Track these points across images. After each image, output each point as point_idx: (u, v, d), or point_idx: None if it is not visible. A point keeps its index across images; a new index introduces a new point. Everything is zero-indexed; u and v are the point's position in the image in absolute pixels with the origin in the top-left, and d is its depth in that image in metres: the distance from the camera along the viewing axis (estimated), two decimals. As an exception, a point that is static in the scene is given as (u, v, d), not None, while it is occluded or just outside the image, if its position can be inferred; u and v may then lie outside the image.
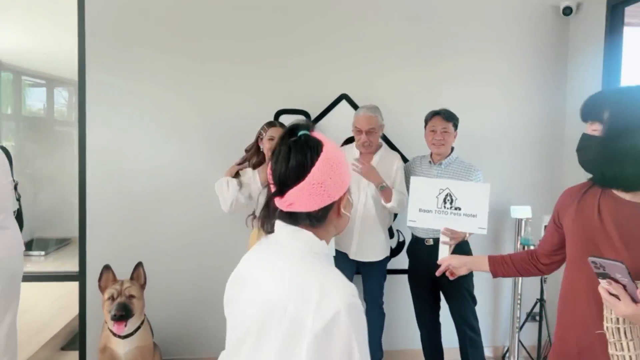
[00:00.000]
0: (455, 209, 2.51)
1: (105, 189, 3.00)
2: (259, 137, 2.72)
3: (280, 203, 1.00)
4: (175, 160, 3.05)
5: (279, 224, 1.03)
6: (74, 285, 3.05)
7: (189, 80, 3.05)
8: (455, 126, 2.74)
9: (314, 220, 1.01)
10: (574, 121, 3.34)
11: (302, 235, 1.01)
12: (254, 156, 2.74)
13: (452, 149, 2.79)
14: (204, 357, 3.12)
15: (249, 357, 0.98)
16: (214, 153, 3.07)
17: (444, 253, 2.54)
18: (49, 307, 4.08)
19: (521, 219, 3.20)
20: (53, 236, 6.22)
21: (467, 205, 2.50)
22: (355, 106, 3.09)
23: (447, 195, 2.54)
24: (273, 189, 1.01)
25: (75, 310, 3.84)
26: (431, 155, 2.80)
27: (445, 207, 2.52)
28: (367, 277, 2.90)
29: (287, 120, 2.99)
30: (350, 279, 2.84)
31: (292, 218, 1.01)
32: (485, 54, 3.30)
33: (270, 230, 1.07)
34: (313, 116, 3.15)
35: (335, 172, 0.98)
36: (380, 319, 2.98)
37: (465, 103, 3.25)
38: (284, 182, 0.98)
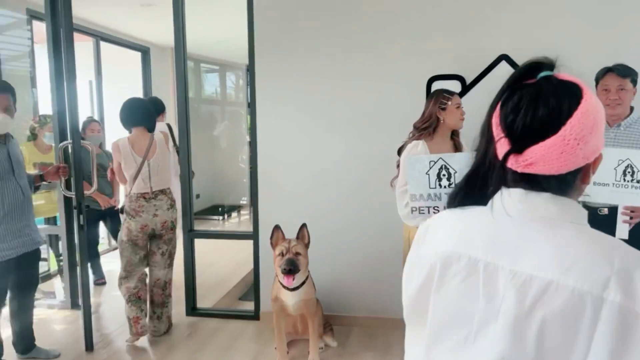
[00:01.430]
0: (638, 181, 2.24)
1: (273, 163, 3.33)
2: (439, 107, 2.55)
3: (515, 162, 0.79)
4: (335, 136, 3.24)
5: (523, 196, 0.81)
6: (248, 244, 3.48)
7: (341, 67, 3.18)
8: (635, 82, 2.39)
9: (563, 185, 0.80)
10: None
11: (571, 207, 0.81)
12: (433, 128, 2.58)
13: (632, 108, 2.45)
14: (360, 315, 3.34)
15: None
16: (371, 130, 3.18)
17: (623, 231, 2.30)
18: (228, 262, 4.73)
19: None
20: (227, 203, 7.13)
21: None
22: (516, 67, 2.90)
23: (627, 166, 2.26)
24: (506, 145, 0.80)
25: (249, 266, 4.40)
26: (607, 117, 2.50)
27: (625, 180, 2.26)
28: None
29: (441, 85, 2.93)
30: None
31: (531, 183, 0.80)
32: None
33: (474, 201, 0.87)
34: (468, 81, 3.04)
35: (597, 127, 0.78)
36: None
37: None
38: (527, 135, 0.77)
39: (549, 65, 0.82)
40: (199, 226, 5.06)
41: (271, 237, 2.73)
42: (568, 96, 0.78)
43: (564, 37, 2.91)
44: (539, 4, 2.93)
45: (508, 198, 0.82)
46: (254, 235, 3.41)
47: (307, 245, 2.73)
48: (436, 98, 2.58)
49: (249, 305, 3.61)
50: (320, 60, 3.21)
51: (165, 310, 3.29)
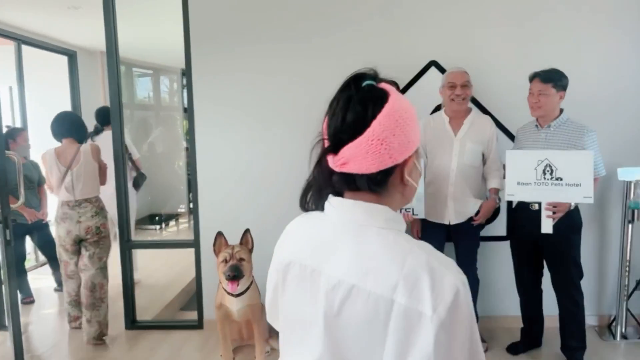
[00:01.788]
0: (557, 179, 2.46)
1: (213, 168, 3.30)
2: None
3: (334, 162, 0.85)
4: (276, 139, 3.26)
5: (339, 202, 0.88)
6: (188, 253, 3.42)
7: (279, 67, 3.21)
8: (558, 88, 2.58)
9: (373, 185, 0.85)
10: (693, 73, 3.04)
11: (368, 208, 0.85)
12: None
13: (561, 110, 2.67)
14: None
15: (319, 346, 0.84)
16: (313, 132, 3.22)
17: (547, 226, 2.51)
18: (167, 272, 4.61)
19: (630, 182, 3.00)
20: (164, 212, 6.92)
21: (569, 175, 2.44)
22: (444, 72, 3.07)
23: (546, 166, 2.49)
24: (327, 145, 0.88)
25: (190, 275, 4.31)
26: (537, 119, 2.71)
27: (545, 178, 2.48)
28: (461, 243, 2.92)
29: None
30: (443, 246, 2.91)
31: (348, 183, 0.86)
32: (582, 8, 3.09)
33: (316, 205, 0.94)
34: (401, 85, 3.18)
35: (400, 128, 0.82)
36: (474, 284, 3.00)
37: (559, 61, 3.07)
38: (339, 136, 0.84)
39: (371, 75, 0.89)
40: (135, 237, 4.88)
41: (214, 244, 2.70)
42: (373, 101, 0.84)
43: (487, 44, 3.14)
44: (464, 14, 3.12)
45: (329, 202, 0.90)
46: (195, 243, 3.36)
47: (251, 251, 2.73)
48: None
49: (192, 315, 3.54)
50: (258, 61, 3.22)
51: (95, 313, 3.21)
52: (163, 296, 4.06)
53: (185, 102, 6.83)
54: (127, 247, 3.42)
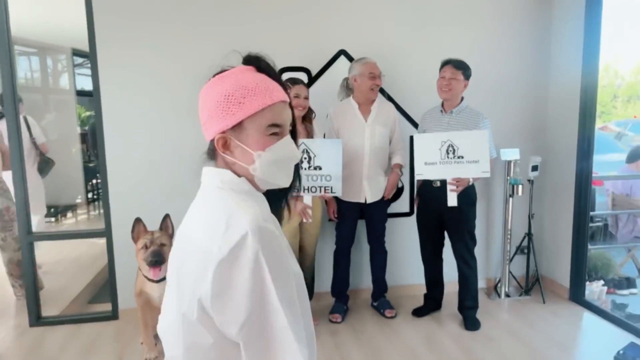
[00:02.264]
0: (459, 157, 2.78)
1: (123, 155, 3.18)
2: None
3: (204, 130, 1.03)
4: (190, 121, 3.22)
5: (204, 170, 1.04)
6: (89, 246, 3.28)
7: (190, 48, 3.17)
8: (467, 76, 2.91)
9: (209, 153, 1.03)
10: (559, 65, 3.56)
11: (212, 172, 1.00)
12: None
13: (462, 98, 2.98)
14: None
15: (175, 299, 0.96)
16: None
17: (452, 199, 2.83)
18: (69, 265, 4.35)
19: (510, 161, 3.46)
20: (60, 203, 6.43)
21: (469, 153, 2.77)
22: (352, 61, 3.26)
23: (449, 146, 2.80)
24: None
25: (97, 267, 4.12)
26: (442, 104, 3.00)
27: (448, 157, 2.79)
28: (372, 219, 3.17)
29: (290, 77, 3.15)
30: (356, 223, 3.13)
31: (208, 152, 1.04)
32: (472, 5, 3.46)
33: None
34: (313, 72, 3.32)
35: (206, 106, 0.99)
36: (383, 256, 3.29)
37: (454, 54, 3.43)
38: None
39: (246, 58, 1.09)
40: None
41: (132, 231, 2.64)
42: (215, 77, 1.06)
43: (392, 36, 3.39)
44: (371, 8, 3.33)
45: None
46: (106, 232, 3.23)
47: (171, 236, 2.72)
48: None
49: (102, 307, 3.41)
50: (170, 43, 3.16)
51: None
52: (68, 290, 3.84)
53: (78, 84, 6.35)
54: (30, 240, 3.18)
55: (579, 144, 3.35)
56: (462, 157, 2.79)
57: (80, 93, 7.00)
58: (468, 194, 2.94)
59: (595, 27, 3.19)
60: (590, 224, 4.90)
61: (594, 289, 3.73)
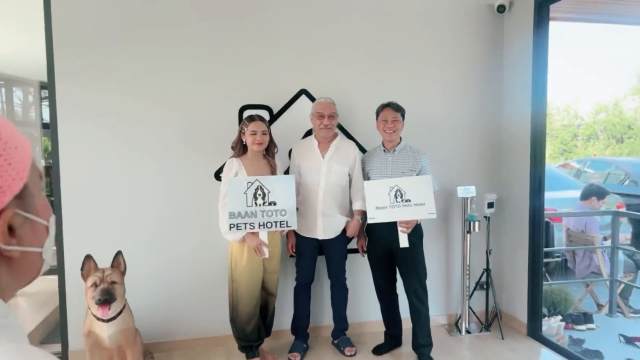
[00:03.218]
0: (406, 201, 2.91)
1: (79, 190, 3.13)
2: (241, 132, 2.88)
3: None
4: (146, 157, 3.22)
5: None
6: (47, 283, 3.18)
7: (152, 84, 3.20)
8: (403, 116, 3.06)
9: None
10: (511, 108, 3.72)
11: None
12: (239, 150, 2.91)
13: (401, 138, 3.11)
14: (180, 339, 3.35)
15: None
16: (184, 150, 3.27)
17: (404, 240, 2.93)
18: (22, 304, 4.18)
19: (467, 198, 3.55)
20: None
21: (415, 197, 2.91)
22: (314, 100, 3.35)
23: (397, 191, 2.93)
24: None
25: (51, 306, 3.98)
26: (383, 144, 3.11)
27: (397, 201, 2.92)
28: (330, 255, 3.18)
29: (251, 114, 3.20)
30: (315, 259, 3.15)
31: None
32: (427, 50, 3.62)
33: None
34: (275, 110, 3.39)
35: None
36: (344, 293, 3.28)
37: (412, 96, 3.57)
38: None
39: None
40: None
41: (82, 268, 2.58)
42: None
43: (350, 77, 3.50)
44: (330, 49, 3.45)
45: None
46: (58, 269, 3.14)
47: (123, 273, 2.66)
48: (242, 122, 2.89)
49: (55, 348, 3.27)
50: (130, 75, 3.17)
51: None
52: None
53: (45, 117, 6.30)
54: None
55: (531, 182, 3.47)
56: (410, 201, 2.91)
57: (47, 126, 6.94)
58: (415, 229, 3.02)
59: (542, 71, 3.37)
60: (550, 260, 5.04)
61: (552, 324, 3.78)
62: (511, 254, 3.74)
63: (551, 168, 7.82)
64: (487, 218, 3.64)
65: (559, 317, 3.93)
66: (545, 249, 3.73)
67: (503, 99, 3.77)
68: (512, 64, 3.67)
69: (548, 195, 3.59)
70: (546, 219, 3.78)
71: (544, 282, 3.60)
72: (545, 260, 3.68)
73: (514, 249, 3.70)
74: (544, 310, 3.87)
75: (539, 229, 3.46)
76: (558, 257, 5.06)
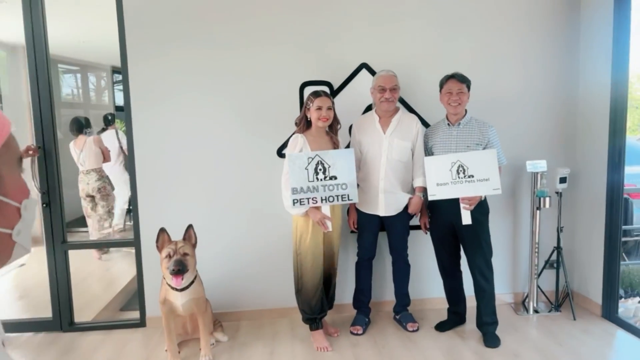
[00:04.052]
0: (469, 176, 2.81)
1: (151, 166, 3.31)
2: (306, 107, 2.90)
3: None
4: (214, 136, 3.33)
5: None
6: (124, 254, 3.40)
7: (217, 68, 3.28)
8: (469, 88, 2.93)
9: None
10: (587, 78, 3.47)
11: None
12: (303, 125, 2.93)
13: (466, 110, 2.99)
14: (247, 310, 3.49)
15: None
16: (250, 129, 3.34)
17: (466, 218, 2.84)
18: (103, 275, 4.52)
19: (537, 173, 3.38)
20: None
21: (479, 172, 2.81)
22: (374, 74, 3.29)
23: (459, 166, 2.83)
24: None
25: (128, 277, 4.27)
26: (447, 117, 3.00)
27: (459, 177, 2.82)
28: (392, 232, 3.16)
29: (312, 90, 3.20)
30: (376, 235, 3.14)
31: None
32: (494, 17, 3.43)
33: None
34: (335, 86, 3.37)
35: None
36: (406, 269, 3.26)
37: (479, 66, 3.42)
38: None
39: None
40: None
41: (157, 240, 2.74)
42: None
43: (412, 49, 3.40)
44: (391, 21, 3.36)
45: None
46: (135, 242, 3.35)
47: (194, 246, 2.80)
48: (306, 98, 2.89)
49: (132, 315, 3.53)
50: (197, 59, 3.27)
51: None
52: (101, 298, 3.99)
53: (119, 100, 6.65)
54: (64, 249, 3.34)
55: (609, 156, 3.24)
56: (473, 176, 2.81)
57: (120, 108, 7.33)
58: (480, 204, 2.92)
59: (624, 37, 3.11)
60: (627, 239, 4.73)
61: (629, 306, 3.57)
62: (585, 232, 3.54)
63: (631, 141, 7.26)
64: (559, 194, 3.46)
65: (637, 299, 3.70)
66: (623, 227, 3.50)
67: (579, 67, 3.53)
68: (590, 28, 3.40)
69: (628, 170, 3.35)
70: (625, 195, 3.52)
71: (622, 262, 3.38)
72: (623, 239, 3.45)
73: (588, 226, 3.50)
74: (621, 292, 3.66)
75: (617, 206, 3.25)
76: (637, 235, 4.73)
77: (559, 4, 3.47)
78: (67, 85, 7.51)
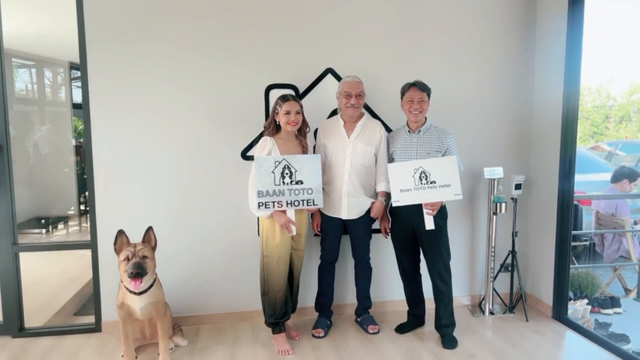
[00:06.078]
0: (431, 182, 2.89)
1: (111, 167, 3.22)
2: (274, 112, 2.88)
3: None
4: (176, 137, 3.27)
5: None
6: (79, 257, 3.29)
7: (182, 67, 3.23)
8: (429, 96, 3.01)
9: None
10: (541, 90, 3.63)
11: None
12: (272, 129, 2.91)
13: (425, 118, 3.07)
14: (207, 313, 3.44)
15: None
16: (213, 129, 3.31)
17: (429, 223, 2.92)
18: (57, 278, 4.34)
19: (494, 179, 3.50)
20: (52, 214, 6.44)
21: (441, 178, 2.89)
22: (340, 79, 3.33)
23: (421, 173, 2.91)
24: None
25: (83, 280, 4.13)
26: (408, 124, 3.07)
27: (422, 183, 2.90)
28: (354, 235, 3.20)
29: (278, 94, 3.20)
30: (339, 238, 3.17)
31: None
32: (456, 28, 3.55)
33: None
34: (301, 90, 3.38)
35: None
36: (368, 272, 3.31)
37: (440, 73, 3.52)
38: None
39: None
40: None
41: (115, 243, 2.67)
42: None
43: (376, 55, 3.46)
44: (356, 26, 3.41)
45: None
46: (92, 244, 3.25)
47: (154, 248, 2.74)
48: (274, 102, 2.89)
49: (88, 320, 3.42)
50: (161, 57, 3.21)
51: None
52: (54, 302, 3.83)
53: (77, 97, 6.45)
54: (15, 250, 3.20)
55: (561, 164, 3.40)
56: (435, 182, 2.89)
57: (77, 106, 7.08)
58: (440, 210, 3.01)
59: (577, 51, 3.27)
60: (577, 243, 4.97)
61: (578, 308, 3.75)
62: (538, 237, 3.69)
63: (581, 150, 7.64)
64: (514, 200, 3.60)
65: (585, 301, 3.89)
66: (573, 232, 3.67)
67: (534, 78, 3.68)
68: (545, 41, 3.56)
69: (578, 178, 3.52)
70: (575, 202, 3.70)
71: (571, 266, 3.55)
72: (572, 243, 3.62)
73: (541, 231, 3.65)
74: (570, 294, 3.83)
75: (568, 212, 3.41)
76: (586, 240, 4.98)
77: (516, 16, 3.61)
78: (21, 80, 7.21)
